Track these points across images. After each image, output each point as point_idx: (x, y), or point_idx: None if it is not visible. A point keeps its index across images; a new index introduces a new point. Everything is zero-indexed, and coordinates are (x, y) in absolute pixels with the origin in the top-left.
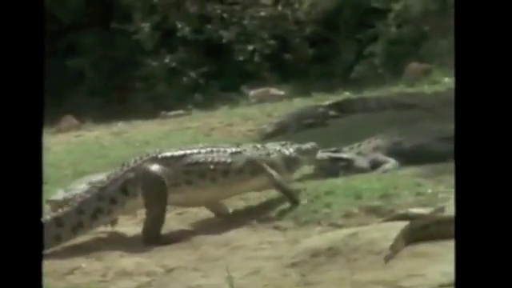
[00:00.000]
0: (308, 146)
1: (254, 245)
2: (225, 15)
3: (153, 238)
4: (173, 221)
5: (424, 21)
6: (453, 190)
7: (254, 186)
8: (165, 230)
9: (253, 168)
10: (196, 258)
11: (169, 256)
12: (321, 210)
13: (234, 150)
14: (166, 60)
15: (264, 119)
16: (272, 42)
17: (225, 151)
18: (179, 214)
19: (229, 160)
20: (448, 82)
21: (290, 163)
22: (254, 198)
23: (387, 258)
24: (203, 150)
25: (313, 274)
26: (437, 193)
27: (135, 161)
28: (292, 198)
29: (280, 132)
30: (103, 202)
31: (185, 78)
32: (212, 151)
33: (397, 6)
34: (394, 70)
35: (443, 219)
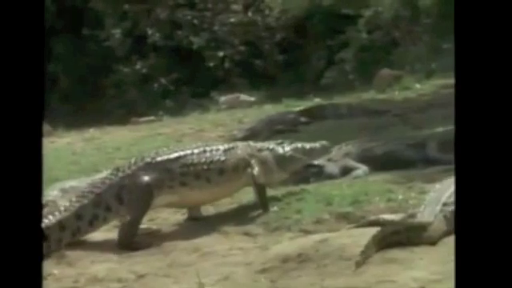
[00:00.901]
0: (316, 145)
1: (225, 251)
2: (195, 21)
3: (127, 243)
4: (144, 226)
5: (395, 27)
6: (424, 197)
7: (246, 182)
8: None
9: (245, 164)
10: (167, 263)
11: (140, 262)
12: (291, 216)
13: (226, 146)
14: (137, 66)
15: (234, 125)
16: (242, 48)
17: (218, 149)
18: (150, 220)
19: (223, 158)
20: (419, 88)
21: (285, 162)
22: (225, 203)
23: (358, 264)
24: (196, 150)
25: (283, 280)
26: (408, 199)
27: (129, 166)
28: (264, 204)
29: (250, 138)
30: (99, 209)
31: (156, 85)
32: (205, 151)
33: (367, 12)
34: (365, 77)
35: (414, 225)
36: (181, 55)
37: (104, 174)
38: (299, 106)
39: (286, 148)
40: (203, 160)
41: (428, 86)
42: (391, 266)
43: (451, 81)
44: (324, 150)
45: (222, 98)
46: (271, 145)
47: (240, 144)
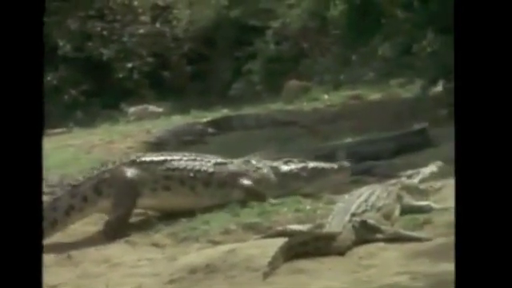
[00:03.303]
0: (333, 165)
1: (133, 261)
2: (105, 33)
3: (113, 235)
4: (54, 238)
5: (303, 38)
6: (332, 207)
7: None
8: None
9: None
10: (77, 275)
11: (50, 273)
12: (199, 227)
13: (218, 160)
14: (48, 78)
15: (143, 136)
16: (150, 59)
17: (208, 161)
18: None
19: (211, 170)
20: (327, 99)
21: (288, 179)
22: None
23: (266, 275)
24: (185, 158)
25: None
26: (316, 209)
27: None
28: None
29: (158, 149)
30: (75, 199)
31: (66, 96)
32: (195, 159)
33: (275, 24)
34: (273, 88)
35: (322, 235)
36: (91, 67)
37: None
38: (207, 117)
39: (291, 166)
40: (190, 167)
41: (336, 97)
42: (299, 277)
43: (359, 92)
44: (342, 170)
45: (131, 110)
46: (276, 163)
47: (236, 161)
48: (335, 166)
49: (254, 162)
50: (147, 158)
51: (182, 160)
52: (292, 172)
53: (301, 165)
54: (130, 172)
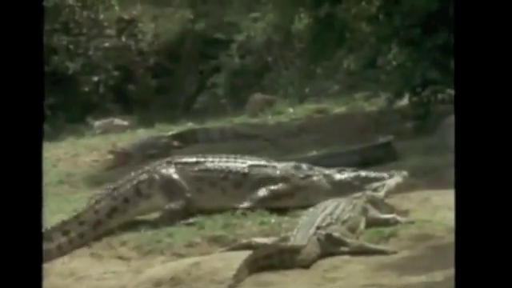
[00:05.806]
0: (383, 174)
1: (99, 274)
2: (70, 46)
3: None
4: None
5: (267, 51)
6: (297, 220)
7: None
8: None
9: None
10: None
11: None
12: (164, 240)
13: (255, 162)
14: None
15: (108, 150)
16: (116, 73)
17: (244, 162)
18: None
19: (245, 171)
20: (291, 112)
21: (341, 187)
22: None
23: None
24: (217, 159)
25: None
26: (280, 223)
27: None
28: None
29: (123, 163)
30: (117, 201)
31: None
32: (228, 160)
33: (240, 37)
34: (237, 101)
35: (286, 248)
36: (56, 80)
37: None
38: (172, 130)
39: (345, 175)
40: (222, 168)
41: (301, 110)
42: None
43: (324, 105)
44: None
45: (97, 123)
46: (329, 171)
47: (282, 164)
48: (386, 175)
49: (304, 167)
50: (181, 160)
51: (214, 161)
52: (346, 180)
53: (353, 174)
54: (170, 171)
